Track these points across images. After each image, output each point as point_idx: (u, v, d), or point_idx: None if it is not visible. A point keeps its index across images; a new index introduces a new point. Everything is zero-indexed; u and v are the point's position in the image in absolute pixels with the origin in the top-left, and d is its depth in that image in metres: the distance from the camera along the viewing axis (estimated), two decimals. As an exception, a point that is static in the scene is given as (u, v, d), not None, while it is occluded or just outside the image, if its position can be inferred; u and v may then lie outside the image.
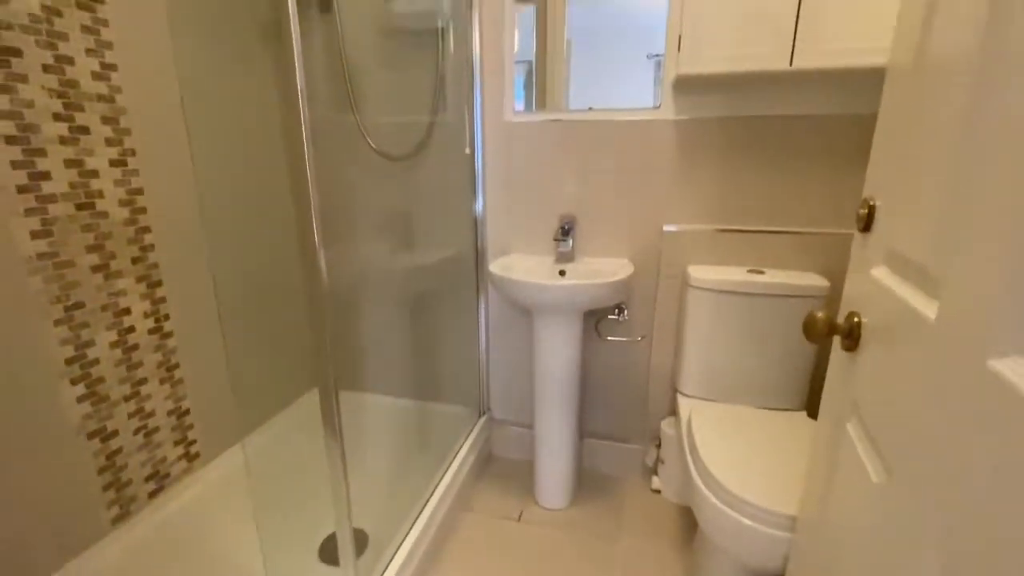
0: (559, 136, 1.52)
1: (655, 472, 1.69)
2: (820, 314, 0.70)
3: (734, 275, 1.37)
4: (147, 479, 1.35)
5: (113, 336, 1.24)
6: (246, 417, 1.67)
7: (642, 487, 1.70)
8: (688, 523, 1.53)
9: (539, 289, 1.33)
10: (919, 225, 0.54)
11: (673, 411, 1.65)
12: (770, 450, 1.17)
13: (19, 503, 1.06)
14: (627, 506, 1.61)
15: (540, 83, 1.54)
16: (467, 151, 1.58)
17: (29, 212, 1.05)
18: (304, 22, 0.83)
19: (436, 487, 1.47)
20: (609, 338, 1.64)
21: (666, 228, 1.50)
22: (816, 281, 1.33)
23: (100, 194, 1.19)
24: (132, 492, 1.31)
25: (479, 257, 1.68)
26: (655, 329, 1.60)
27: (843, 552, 0.65)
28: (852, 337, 0.67)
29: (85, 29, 1.13)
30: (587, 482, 1.72)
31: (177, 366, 1.41)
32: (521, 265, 1.56)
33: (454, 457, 1.61)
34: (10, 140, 1.01)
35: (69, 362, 1.15)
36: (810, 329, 0.70)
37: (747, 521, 0.99)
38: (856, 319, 0.67)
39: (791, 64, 1.19)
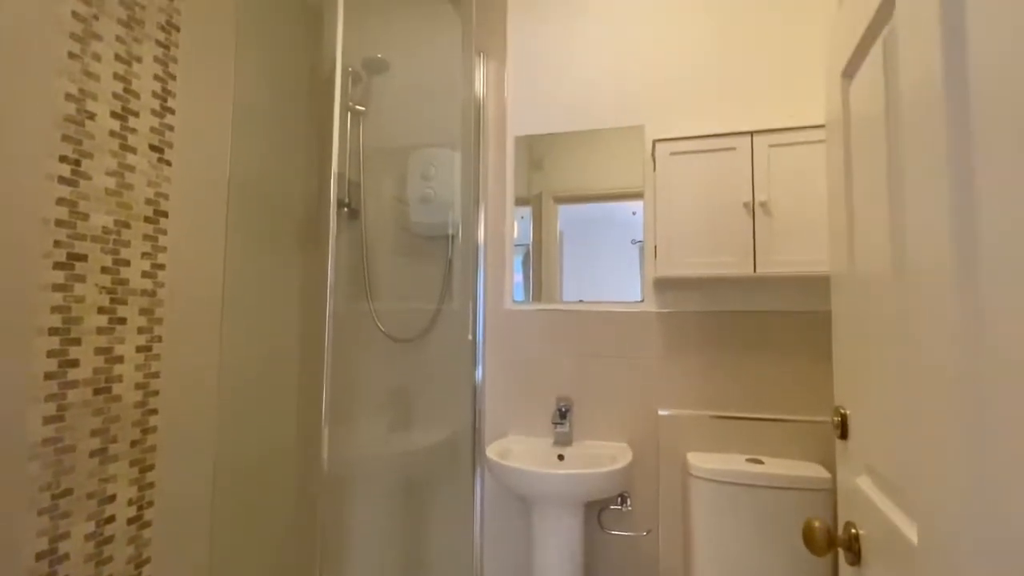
0: (554, 324, 1.65)
1: None
2: (817, 523, 0.70)
3: (733, 464, 1.37)
4: None
5: (91, 527, 1.17)
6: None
7: None
8: None
9: (537, 479, 1.31)
10: (886, 442, 0.59)
11: (687, 622, 1.47)
12: None
13: None
14: None
15: (536, 272, 1.73)
16: (469, 337, 1.69)
17: (48, 398, 1.09)
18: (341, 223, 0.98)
19: None
20: (613, 532, 1.55)
21: (661, 412, 1.54)
22: (817, 472, 1.32)
23: (119, 379, 1.25)
24: None
25: (476, 439, 1.68)
26: (660, 521, 1.52)
27: None
28: (853, 551, 0.67)
29: (146, 237, 1.31)
30: None
31: (147, 561, 1.31)
32: (519, 448, 1.55)
33: None
34: (52, 331, 1.10)
35: (39, 557, 1.07)
36: (809, 541, 0.69)
37: None
38: (853, 531, 0.68)
39: (755, 271, 1.37)
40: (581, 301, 1.65)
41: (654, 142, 1.50)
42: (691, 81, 1.60)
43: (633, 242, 1.67)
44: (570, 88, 1.70)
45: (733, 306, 1.52)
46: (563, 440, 1.56)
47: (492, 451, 1.46)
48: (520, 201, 1.75)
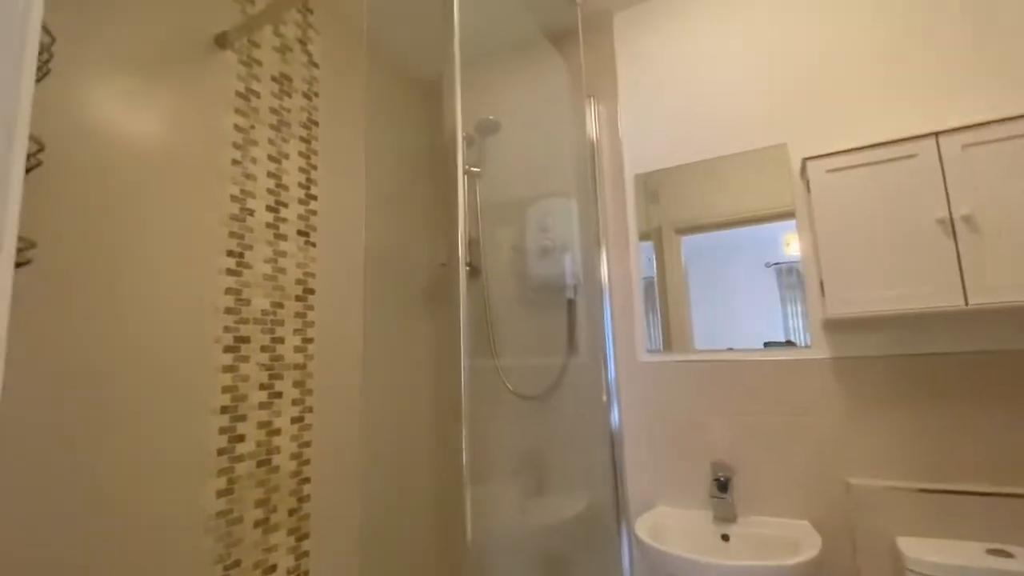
0: (698, 377, 1.46)
1: None
2: None
3: (969, 556, 1.05)
4: None
5: (256, 598, 1.23)
6: None
7: None
8: None
9: (698, 570, 1.12)
10: None
11: None
12: None
13: None
14: None
15: (665, 315, 1.56)
16: (603, 397, 1.57)
17: (220, 472, 1.19)
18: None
19: None
20: (800, 631, 1.26)
21: (852, 481, 1.25)
22: (1110, 576, 0.95)
23: (278, 450, 1.33)
24: None
25: (620, 509, 1.52)
26: (866, 625, 1.21)
27: None
28: None
29: (297, 315, 1.42)
30: None
31: (304, 632, 1.34)
32: (673, 524, 1.36)
33: None
34: (224, 410, 1.21)
35: (211, 630, 1.14)
36: None
37: None
38: None
39: (967, 303, 1.08)
40: (731, 349, 1.44)
41: (804, 161, 1.30)
42: (839, 86, 1.38)
43: (768, 265, 1.45)
44: (690, 118, 1.57)
45: (936, 347, 1.21)
46: (726, 515, 1.33)
47: (642, 528, 1.30)
48: (640, 236, 1.62)
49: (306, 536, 1.37)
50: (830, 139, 1.35)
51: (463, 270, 1.03)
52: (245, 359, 1.26)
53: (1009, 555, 1.04)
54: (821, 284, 1.26)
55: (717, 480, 1.35)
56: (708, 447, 1.42)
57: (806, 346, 1.35)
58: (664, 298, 1.57)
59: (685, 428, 1.46)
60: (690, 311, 1.53)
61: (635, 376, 1.56)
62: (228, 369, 1.22)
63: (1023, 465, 1.11)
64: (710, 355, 1.46)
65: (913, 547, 1.11)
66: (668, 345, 1.54)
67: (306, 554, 1.37)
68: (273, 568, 1.28)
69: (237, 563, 1.20)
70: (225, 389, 1.21)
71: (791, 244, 1.43)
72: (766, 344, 1.40)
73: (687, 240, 1.57)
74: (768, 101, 1.46)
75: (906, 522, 1.18)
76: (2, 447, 0.86)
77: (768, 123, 1.46)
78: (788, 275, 1.43)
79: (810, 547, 1.13)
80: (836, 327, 1.31)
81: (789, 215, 1.42)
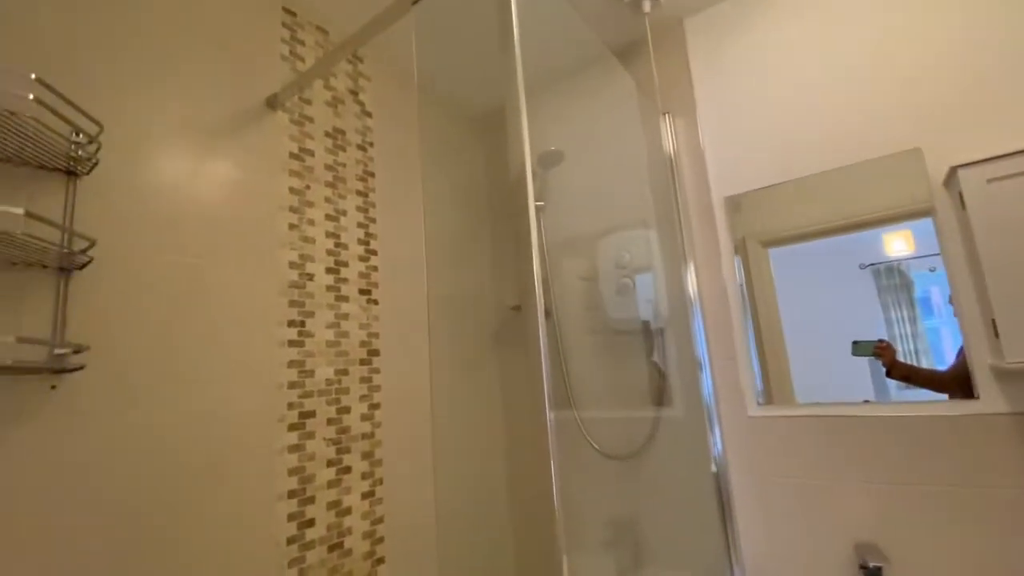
0: (828, 436, 1.21)
1: None
2: None
3: None
4: None
5: None
6: None
7: None
8: None
9: None
10: None
11: None
12: None
13: None
14: None
15: (763, 359, 1.32)
16: (709, 456, 1.34)
17: (292, 563, 1.10)
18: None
19: None
20: None
21: (1057, 579, 0.96)
22: None
23: (349, 531, 1.23)
24: None
25: (737, 590, 1.28)
26: None
27: None
28: None
29: (362, 380, 1.33)
30: None
31: None
32: (809, 621, 1.11)
33: None
34: (292, 494, 1.12)
35: None
36: None
37: None
38: None
39: None
40: (866, 402, 1.18)
41: (955, 169, 1.04)
42: (984, 81, 1.11)
43: (863, 267, 1.21)
44: (784, 129, 1.34)
45: None
46: (880, 614, 1.07)
47: (774, 630, 1.06)
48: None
49: (383, 624, 1.26)
50: (980, 143, 1.09)
51: (541, 312, 0.90)
52: (311, 435, 1.18)
53: None
54: (993, 323, 0.99)
55: (865, 568, 1.09)
56: (847, 524, 1.16)
57: (975, 398, 1.07)
58: (758, 334, 1.34)
59: (816, 498, 1.21)
60: (786, 345, 1.29)
61: (745, 434, 1.32)
62: (294, 449, 1.14)
63: None
64: (842, 409, 1.20)
65: None
66: (778, 395, 1.30)
67: (384, 645, 1.25)
68: (350, 665, 1.17)
69: (312, 664, 1.10)
70: (292, 471, 1.13)
71: (893, 243, 1.19)
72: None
73: (776, 253, 1.35)
74: (891, 102, 1.21)
75: None
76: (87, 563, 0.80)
77: (891, 127, 1.20)
78: (888, 276, 1.20)
79: None
80: (1017, 377, 1.02)
81: (912, 216, 1.16)
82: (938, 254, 1.13)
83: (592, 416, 1.56)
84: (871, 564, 1.09)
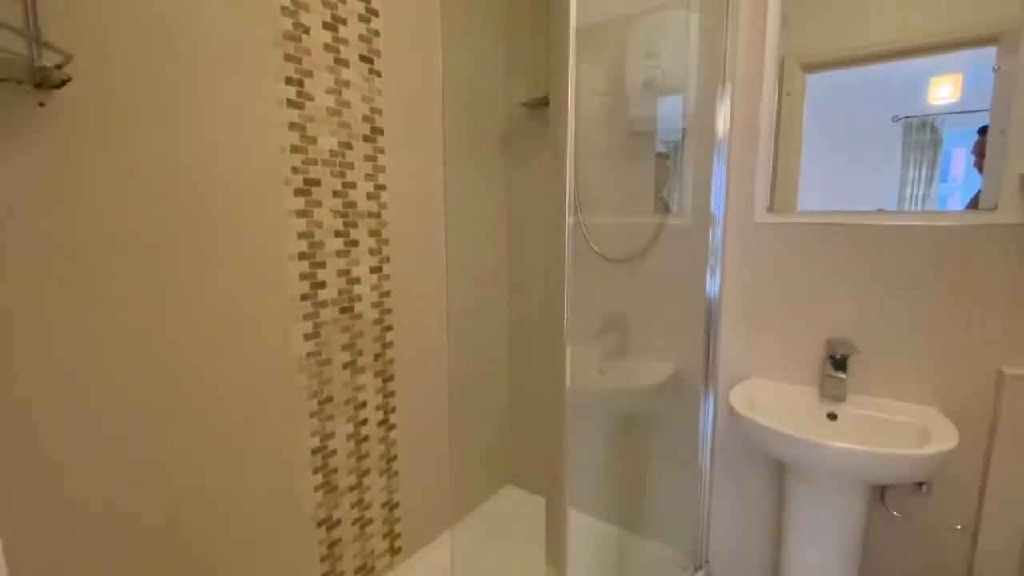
0: (833, 243, 1.22)
1: None
2: None
3: None
4: (356, 571, 1.37)
5: (350, 428, 1.32)
6: (451, 513, 1.64)
7: None
8: None
9: (802, 447, 1.01)
10: None
11: (1021, 652, 1.09)
12: None
13: (257, 583, 1.14)
14: None
15: (783, 167, 1.28)
16: (706, 261, 1.37)
17: (306, 316, 1.19)
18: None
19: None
20: (898, 514, 1.19)
21: (1007, 371, 1.05)
22: None
23: (359, 298, 1.31)
24: (344, 583, 1.34)
25: (708, 379, 1.43)
26: (984, 519, 1.10)
27: None
28: None
29: (367, 158, 1.29)
30: None
31: (395, 458, 1.45)
32: (769, 399, 1.25)
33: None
34: (302, 256, 1.16)
35: (315, 452, 1.24)
36: None
37: None
38: None
39: None
40: (881, 211, 1.17)
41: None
42: None
43: (896, 119, 1.15)
44: None
45: None
46: (835, 394, 1.19)
47: (738, 400, 1.20)
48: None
49: (391, 378, 1.42)
50: None
51: (572, 107, 0.85)
52: (317, 203, 1.18)
53: None
54: (1047, 123, 0.91)
55: (833, 358, 1.19)
56: (825, 323, 1.24)
57: (991, 208, 1.05)
58: (786, 146, 1.27)
59: (801, 300, 1.27)
60: (802, 163, 1.25)
61: (747, 239, 1.33)
62: (301, 214, 1.15)
63: None
64: (853, 218, 1.19)
65: (1081, 451, 0.93)
66: (789, 203, 1.28)
67: (392, 394, 1.43)
68: (363, 404, 1.35)
69: (329, 399, 1.26)
70: (301, 235, 1.16)
71: (938, 88, 1.10)
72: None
73: (813, 82, 1.23)
74: None
75: (1076, 423, 0.99)
76: (96, 297, 0.85)
77: None
78: (920, 132, 1.14)
79: (946, 437, 0.98)
80: (1047, 184, 0.99)
81: (980, 41, 1.03)
82: (986, 109, 1.05)
83: (596, 222, 1.56)
84: (839, 354, 1.19)
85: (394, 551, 1.48)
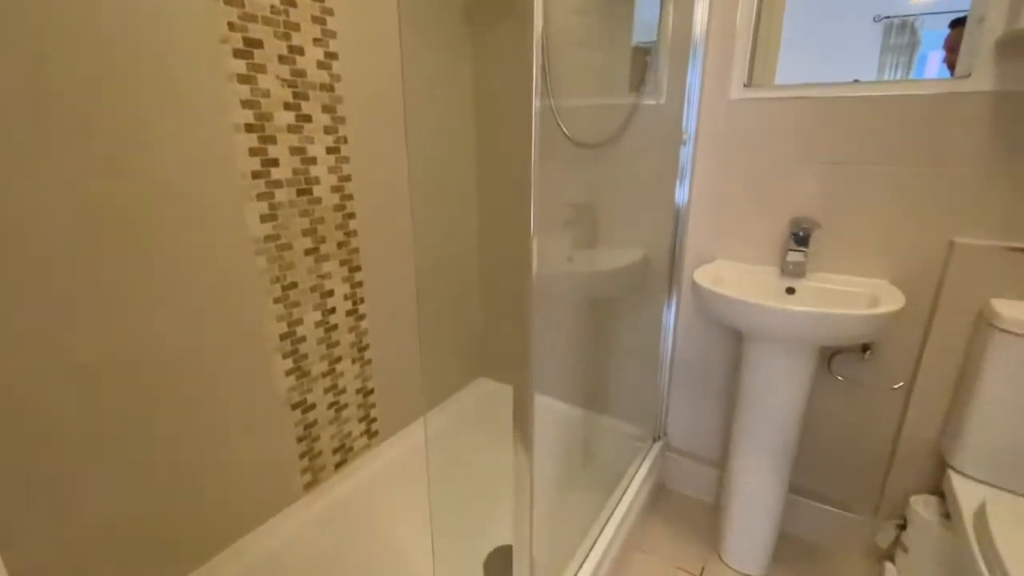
0: (805, 118, 1.19)
1: (890, 558, 1.30)
2: None
3: (1084, 322, 0.93)
4: (335, 451, 1.42)
5: (318, 316, 1.30)
6: (424, 399, 1.69)
7: (866, 571, 1.32)
8: (943, 642, 1.14)
9: (762, 313, 1.06)
10: None
11: (933, 488, 1.23)
12: None
13: (231, 461, 1.16)
14: (845, 593, 1.27)
15: (762, 41, 1.23)
16: (680, 135, 1.34)
17: (260, 196, 1.12)
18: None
19: (608, 519, 1.30)
20: (842, 378, 1.28)
21: (957, 240, 1.09)
22: None
23: (316, 180, 1.24)
24: (322, 462, 1.39)
25: (674, 261, 1.45)
26: (919, 377, 1.20)
27: None
28: None
29: (314, 19, 1.16)
30: (788, 547, 1.39)
31: (367, 347, 1.46)
32: (733, 276, 1.29)
33: (627, 485, 1.43)
34: (249, 128, 1.07)
35: (283, 337, 1.22)
36: None
37: None
38: None
39: None
40: (856, 81, 1.14)
41: None
42: None
43: (877, 19, 1.14)
44: None
45: None
46: (795, 271, 1.23)
47: (702, 277, 1.22)
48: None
49: (358, 268, 1.38)
50: None
51: None
52: (261, 68, 1.07)
53: None
54: (1034, -27, 0.87)
55: (795, 235, 1.21)
56: (792, 199, 1.25)
57: (965, 76, 1.03)
58: (764, 42, 1.21)
59: (770, 178, 1.27)
60: (779, 58, 1.21)
61: (721, 117, 1.30)
62: (244, 79, 1.04)
63: None
64: (826, 90, 1.16)
65: (1011, 308, 1.00)
66: (766, 79, 1.24)
67: (360, 284, 1.40)
68: (330, 293, 1.32)
69: (294, 284, 1.22)
70: (245, 103, 1.05)
71: None
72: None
73: None
74: None
75: (1010, 285, 1.05)
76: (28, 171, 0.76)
77: None
78: (899, 34, 1.13)
79: (893, 300, 1.04)
80: (1018, 47, 0.97)
81: None
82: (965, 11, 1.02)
83: (568, 104, 1.49)
84: (802, 231, 1.21)
85: (371, 434, 1.53)
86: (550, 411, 1.82)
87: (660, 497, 1.61)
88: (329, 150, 1.25)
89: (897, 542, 1.27)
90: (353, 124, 1.29)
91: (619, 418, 1.69)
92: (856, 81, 1.14)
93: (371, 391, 1.49)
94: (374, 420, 1.53)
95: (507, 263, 1.65)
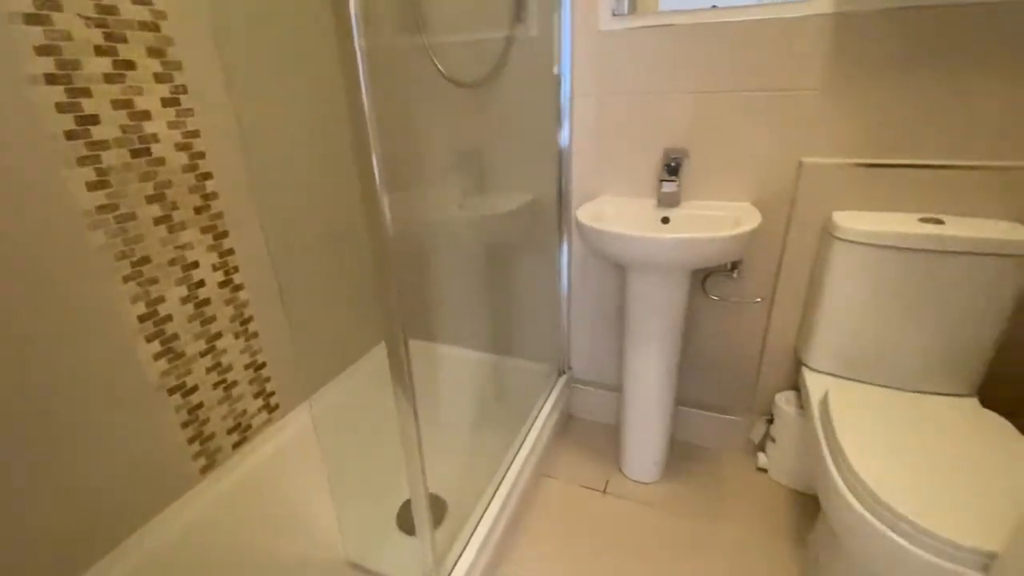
0: (671, 47, 1.21)
1: (761, 449, 1.48)
2: None
3: (902, 225, 1.06)
4: (230, 431, 1.34)
5: (183, 291, 1.18)
6: (318, 371, 1.63)
7: (744, 464, 1.51)
8: (803, 511, 1.33)
9: (636, 243, 1.10)
10: None
11: (793, 385, 1.40)
12: (939, 450, 0.92)
13: (108, 458, 1.07)
14: (727, 484, 1.44)
15: None
16: (554, 70, 1.31)
17: (82, 161, 0.96)
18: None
19: (517, 451, 1.36)
20: (716, 297, 1.39)
21: (805, 160, 1.19)
22: (1019, 235, 0.99)
23: (155, 138, 1.08)
24: (217, 444, 1.31)
25: (562, 200, 1.46)
26: (778, 289, 1.33)
27: None
28: None
29: (117, -60, 0.97)
30: (680, 454, 1.55)
31: (251, 319, 1.36)
32: (614, 211, 1.32)
33: (535, 418, 1.49)
34: (51, 79, 0.90)
35: (142, 319, 1.10)
36: None
37: (915, 549, 0.77)
38: None
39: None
40: (714, 7, 1.16)
41: None
42: None
43: None
44: None
45: (957, -5, 0.99)
46: (669, 201, 1.29)
47: (584, 214, 1.25)
48: None
49: (225, 235, 1.26)
50: None
51: None
52: (55, 5, 0.89)
53: (939, 221, 1.07)
54: None
55: (667, 165, 1.26)
56: (665, 131, 1.29)
57: (807, -1, 1.09)
58: None
59: (642, 111, 1.29)
60: None
61: (594, 50, 1.28)
62: (33, 20, 0.87)
63: (979, 137, 1.05)
64: (687, 17, 1.18)
65: (849, 219, 1.12)
66: (633, 6, 1.23)
67: (231, 252, 1.28)
68: (195, 264, 1.20)
69: (146, 259, 1.09)
70: (40, 50, 0.88)
71: None
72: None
73: None
74: None
75: (849, 196, 1.17)
76: None
77: None
78: None
79: (750, 221, 1.12)
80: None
81: None
82: None
83: (444, 40, 1.40)
84: (673, 161, 1.26)
85: (270, 408, 1.46)
86: (454, 359, 1.84)
87: (568, 426, 1.71)
88: (166, 102, 1.10)
89: (767, 435, 1.45)
90: (192, 69, 1.13)
91: (525, 357, 1.74)
92: (714, 7, 1.16)
93: (263, 365, 1.41)
94: (271, 394, 1.45)
95: (394, 219, 1.58)
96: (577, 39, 1.29)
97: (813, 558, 1.16)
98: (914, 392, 1.12)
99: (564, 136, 1.39)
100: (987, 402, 1.09)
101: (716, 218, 1.22)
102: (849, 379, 1.18)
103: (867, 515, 0.83)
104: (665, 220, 1.28)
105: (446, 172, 1.57)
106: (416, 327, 1.80)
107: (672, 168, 1.26)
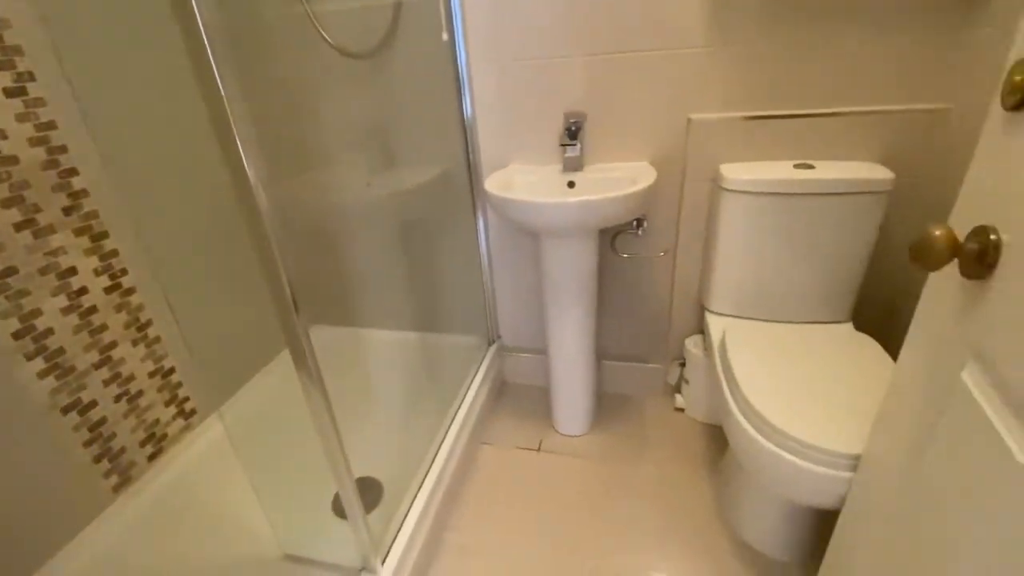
0: (564, 9, 1.22)
1: (678, 390, 1.59)
2: (939, 231, 0.51)
3: (778, 172, 1.15)
4: (143, 443, 1.27)
5: (62, 301, 1.08)
6: (235, 370, 1.56)
7: (664, 406, 1.62)
8: (715, 442, 1.46)
9: (541, 209, 1.13)
10: None
11: (699, 329, 1.51)
12: (817, 373, 1.04)
13: (2, 490, 0.98)
14: (650, 427, 1.54)
15: None
16: (443, 37, 1.29)
17: (-94, 165, 0.84)
18: None
19: (451, 424, 1.39)
20: (626, 255, 1.46)
21: (693, 117, 1.25)
22: (877, 173, 1.11)
23: (2, 134, 0.97)
24: (129, 458, 1.24)
25: (472, 171, 1.46)
26: (680, 242, 1.41)
27: (948, 517, 0.53)
28: (984, 262, 0.49)
29: (-90, -97, 0.83)
30: (606, 406, 1.64)
31: (149, 324, 1.27)
32: (522, 180, 1.34)
33: (467, 390, 1.52)
34: None
35: (17, 336, 1.01)
36: (926, 254, 0.51)
37: (796, 460, 0.88)
38: (993, 236, 0.48)
39: None
40: (594, -32, 1.17)
41: None
42: None
43: None
44: None
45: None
46: (573, 165, 1.32)
47: (492, 184, 1.25)
48: None
49: (104, 235, 1.16)
50: None
51: None
52: None
53: (810, 167, 1.16)
54: None
55: (568, 129, 1.28)
56: (564, 95, 1.30)
57: (681, -42, 1.12)
58: None
59: (542, 75, 1.30)
60: None
61: (486, 11, 1.27)
62: None
63: (850, 85, 1.14)
64: (572, -21, 1.18)
65: (733, 170, 1.20)
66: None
67: (114, 253, 1.19)
68: (71, 271, 1.10)
69: (12, 270, 0.99)
70: None
71: None
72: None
73: None
74: None
75: (734, 149, 1.25)
76: None
77: None
78: None
79: (646, 179, 1.17)
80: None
81: None
82: None
83: (328, 7, 1.33)
84: (573, 125, 1.28)
85: (186, 414, 1.39)
86: (380, 341, 1.82)
87: (503, 392, 1.75)
88: (9, 92, 0.98)
89: (681, 377, 1.56)
90: (36, 54, 1.01)
91: (453, 332, 1.76)
92: (595, -31, 1.17)
93: (171, 370, 1.33)
94: (185, 400, 1.38)
95: (307, 201, 1.52)
96: (467, 3, 1.26)
97: (724, 482, 1.28)
98: (799, 323, 1.24)
99: (467, 106, 1.37)
100: (860, 326, 1.23)
101: (617, 179, 1.26)
102: (744, 318, 1.29)
103: (759, 437, 0.93)
104: (571, 184, 1.31)
105: (348, 150, 1.51)
106: (335, 313, 1.75)
107: (572, 132, 1.28)
